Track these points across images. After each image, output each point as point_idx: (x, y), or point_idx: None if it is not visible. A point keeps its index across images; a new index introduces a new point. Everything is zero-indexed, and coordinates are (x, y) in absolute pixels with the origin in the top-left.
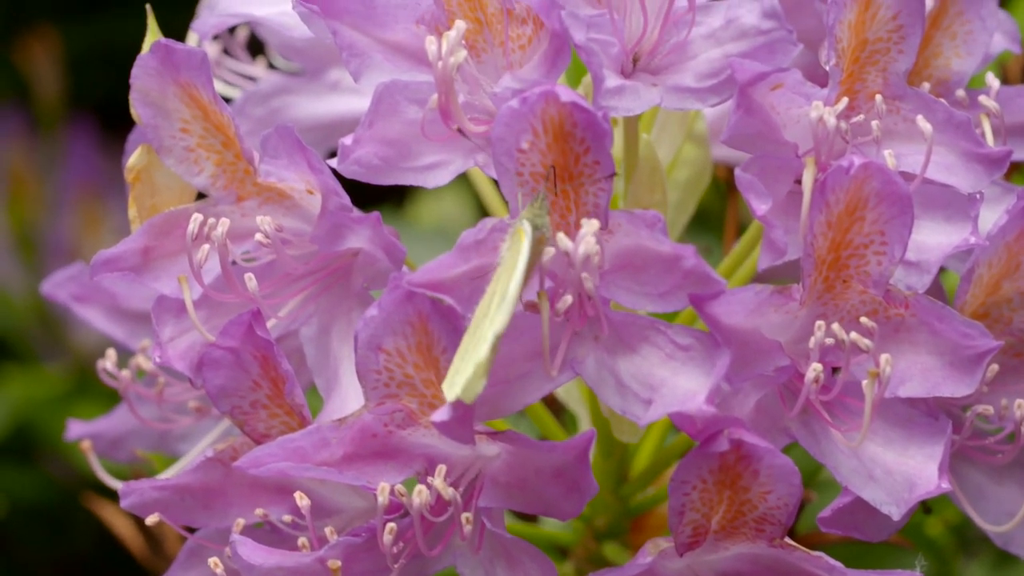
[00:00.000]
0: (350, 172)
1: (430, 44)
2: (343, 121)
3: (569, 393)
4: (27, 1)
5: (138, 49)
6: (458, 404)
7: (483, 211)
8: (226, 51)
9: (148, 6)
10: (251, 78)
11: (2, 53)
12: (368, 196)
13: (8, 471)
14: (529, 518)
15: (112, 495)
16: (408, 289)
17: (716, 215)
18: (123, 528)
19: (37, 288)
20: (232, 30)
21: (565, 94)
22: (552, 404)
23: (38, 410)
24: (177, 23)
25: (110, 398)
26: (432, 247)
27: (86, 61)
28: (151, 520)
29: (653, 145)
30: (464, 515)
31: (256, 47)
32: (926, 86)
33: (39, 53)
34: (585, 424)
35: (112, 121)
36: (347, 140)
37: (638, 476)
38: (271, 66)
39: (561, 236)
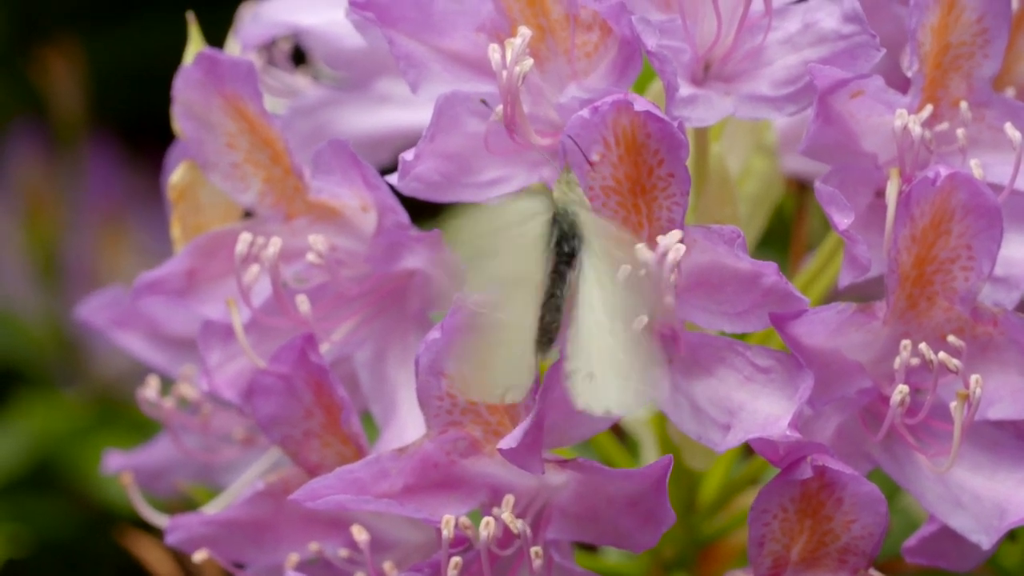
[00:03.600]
0: (410, 189)
1: (494, 52)
2: (392, 135)
3: (632, 416)
4: (45, 11)
5: (164, 60)
6: (530, 431)
7: None
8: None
9: (190, 14)
10: (294, 90)
11: (19, 65)
12: None
13: (29, 504)
14: (591, 547)
15: (141, 527)
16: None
17: (777, 229)
18: (159, 564)
19: (55, 312)
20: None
21: (639, 103)
22: (613, 428)
23: (59, 441)
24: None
25: (134, 427)
26: None
27: (108, 74)
28: (199, 557)
29: (723, 157)
30: (533, 548)
31: (297, 58)
32: (1010, 91)
33: (58, 65)
34: (649, 449)
35: (135, 137)
36: (408, 155)
37: (707, 505)
38: (314, 77)
39: (641, 247)
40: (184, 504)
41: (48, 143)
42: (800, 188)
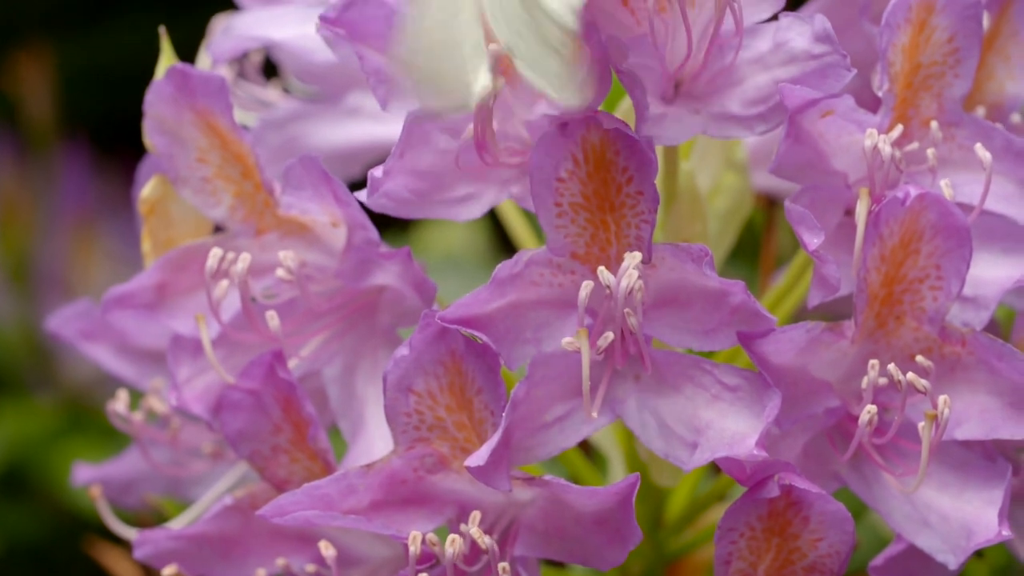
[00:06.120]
0: (379, 206)
1: None
2: (363, 149)
3: (600, 433)
4: (16, 16)
5: (135, 65)
6: (497, 448)
7: (494, 238)
8: (240, 74)
9: (162, 28)
10: (265, 103)
11: None
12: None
13: (0, 508)
14: (557, 564)
15: (111, 536)
16: (441, 326)
17: (746, 242)
18: (126, 574)
19: (27, 318)
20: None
21: (607, 120)
22: (581, 444)
23: (31, 446)
24: (175, 40)
25: (105, 433)
26: (440, 277)
27: (79, 79)
28: (168, 571)
29: (693, 174)
30: (501, 564)
31: (268, 70)
32: (980, 110)
33: (30, 71)
34: (617, 466)
35: (107, 142)
36: (377, 172)
37: (675, 521)
38: (285, 90)
39: (602, 270)
40: (154, 515)
41: (20, 149)
42: (769, 203)
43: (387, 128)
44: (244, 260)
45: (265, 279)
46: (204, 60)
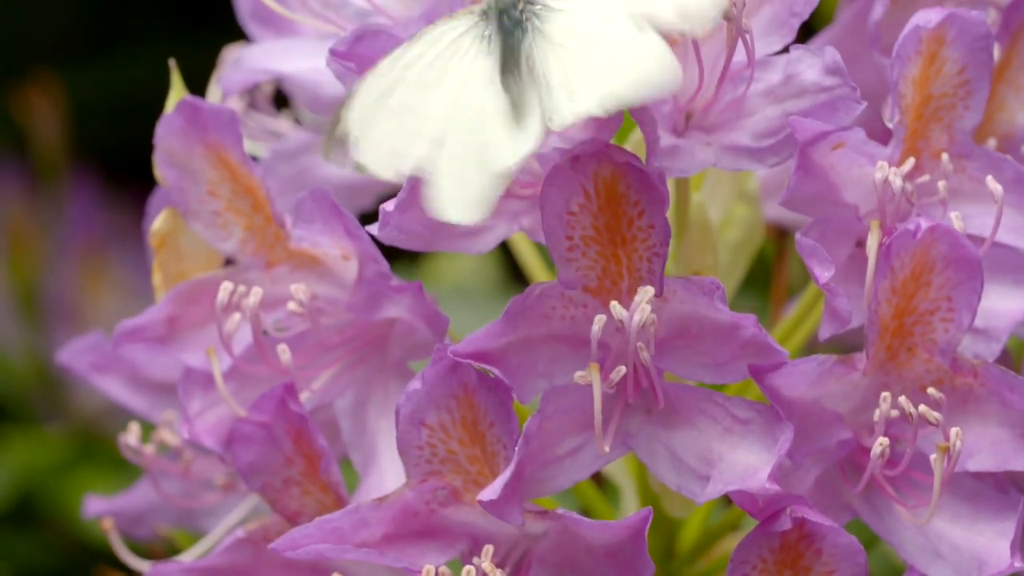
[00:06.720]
0: (390, 239)
1: None
2: (373, 180)
3: (613, 464)
4: (26, 47)
5: (144, 95)
6: (510, 482)
7: (505, 268)
8: (250, 104)
9: (172, 60)
10: (276, 134)
11: (0, 101)
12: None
13: (10, 539)
14: None
15: (122, 567)
16: (453, 360)
17: (758, 272)
18: None
19: (37, 347)
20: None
21: (618, 154)
22: (594, 475)
23: (41, 476)
24: (185, 70)
25: (116, 463)
26: (451, 307)
27: (88, 109)
28: None
29: (704, 206)
30: None
31: (279, 100)
32: (991, 141)
33: (39, 100)
34: (630, 497)
35: (116, 172)
36: (388, 206)
37: (687, 551)
38: (296, 121)
39: (615, 304)
40: (166, 547)
41: (29, 179)
42: (780, 234)
43: None
44: (255, 293)
45: (276, 312)
46: (215, 93)
